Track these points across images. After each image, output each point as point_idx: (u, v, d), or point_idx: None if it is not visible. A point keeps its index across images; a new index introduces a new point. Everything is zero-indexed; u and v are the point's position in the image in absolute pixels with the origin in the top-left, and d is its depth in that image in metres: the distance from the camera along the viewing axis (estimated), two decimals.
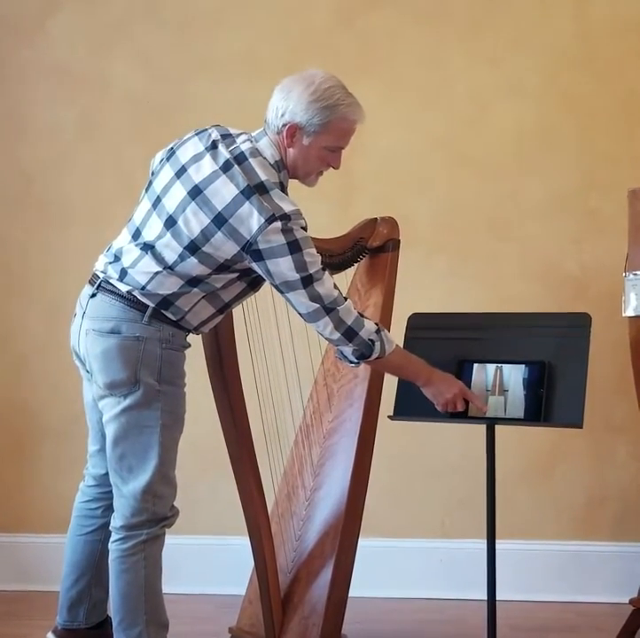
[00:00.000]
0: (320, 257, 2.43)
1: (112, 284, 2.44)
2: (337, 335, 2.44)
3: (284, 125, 2.43)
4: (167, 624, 2.53)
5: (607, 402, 3.34)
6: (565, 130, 3.43)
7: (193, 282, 2.41)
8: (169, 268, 2.40)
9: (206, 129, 2.50)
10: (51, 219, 3.59)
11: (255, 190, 2.34)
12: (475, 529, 3.13)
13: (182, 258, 2.38)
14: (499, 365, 2.63)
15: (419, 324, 2.79)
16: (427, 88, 3.49)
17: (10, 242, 3.63)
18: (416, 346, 2.74)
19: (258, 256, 2.35)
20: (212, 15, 3.55)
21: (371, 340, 2.47)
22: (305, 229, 2.40)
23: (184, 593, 3.44)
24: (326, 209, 3.39)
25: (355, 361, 2.50)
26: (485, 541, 2.65)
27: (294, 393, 2.76)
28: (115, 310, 2.42)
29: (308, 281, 2.37)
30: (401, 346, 2.78)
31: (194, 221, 2.37)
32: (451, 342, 2.72)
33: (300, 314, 2.44)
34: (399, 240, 2.99)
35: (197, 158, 2.43)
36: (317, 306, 2.40)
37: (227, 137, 2.46)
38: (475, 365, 2.65)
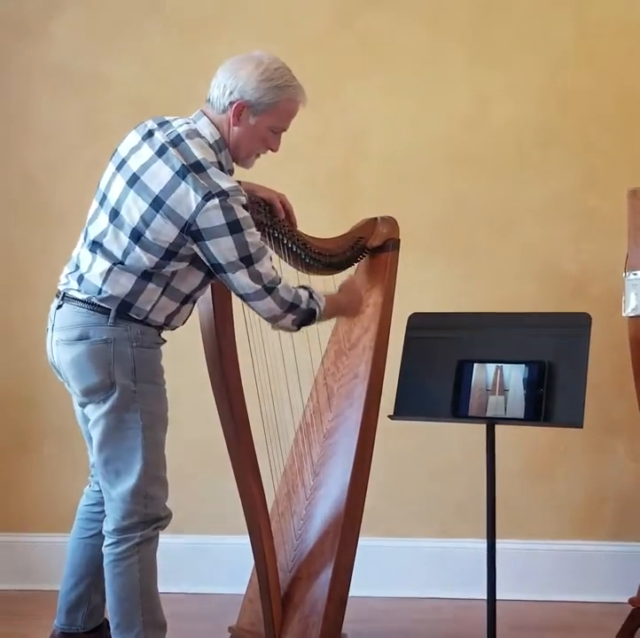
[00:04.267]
0: (260, 235, 2.41)
1: (73, 293, 2.45)
2: (279, 311, 2.43)
3: (231, 102, 2.43)
4: (164, 624, 2.53)
5: (607, 402, 3.35)
6: (564, 130, 3.44)
7: (146, 276, 2.39)
8: (120, 262, 2.39)
9: (144, 121, 2.51)
10: (53, 219, 3.60)
11: (191, 168, 2.33)
12: (475, 529, 3.14)
13: (128, 250, 2.38)
14: (499, 365, 2.64)
15: (419, 324, 2.79)
16: (427, 88, 3.49)
17: (12, 241, 3.65)
18: (416, 346, 2.75)
19: (198, 236, 2.33)
20: (213, 17, 3.55)
21: (311, 308, 2.50)
22: (245, 207, 2.37)
23: (184, 592, 3.44)
24: (326, 209, 3.40)
25: (296, 328, 2.52)
26: (485, 541, 2.66)
27: (294, 392, 2.77)
28: (80, 317, 2.42)
29: (249, 261, 2.35)
30: (402, 346, 2.79)
31: (134, 209, 2.37)
32: (451, 342, 2.73)
33: (239, 295, 2.42)
34: (399, 240, 2.99)
35: (134, 149, 2.44)
36: (259, 286, 2.38)
37: (164, 124, 2.46)
38: (475, 365, 2.65)
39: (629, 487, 3.41)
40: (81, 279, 2.44)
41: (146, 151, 2.41)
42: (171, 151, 2.37)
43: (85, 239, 2.48)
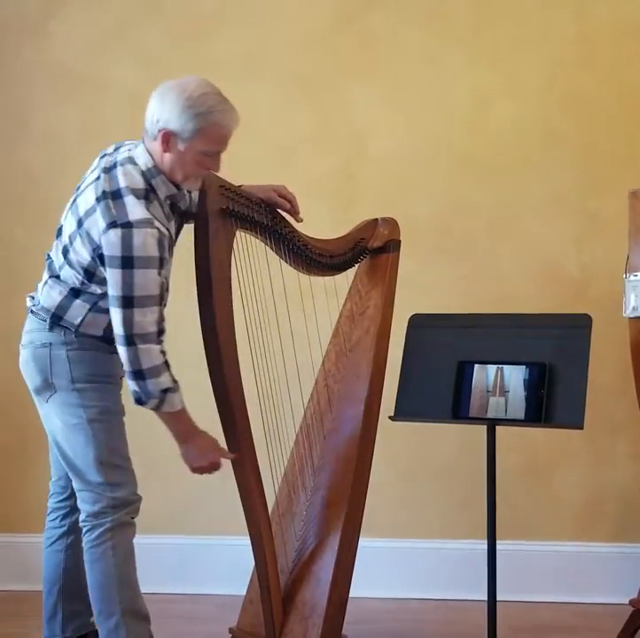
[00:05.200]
0: (158, 282, 2.34)
1: (28, 302, 2.60)
2: (129, 369, 2.36)
3: (159, 131, 2.42)
4: (147, 615, 2.55)
5: (607, 403, 3.35)
6: (565, 131, 3.44)
7: (75, 293, 2.48)
8: (56, 276, 2.50)
9: (113, 144, 2.56)
10: (53, 219, 3.56)
11: (109, 195, 2.37)
12: (475, 529, 3.14)
13: (62, 266, 2.49)
14: (500, 366, 2.63)
15: (420, 325, 2.79)
16: (428, 88, 3.49)
17: (11, 242, 3.65)
18: (417, 347, 2.75)
19: (102, 261, 2.36)
20: (213, 16, 3.55)
21: (152, 393, 2.37)
22: (160, 241, 2.34)
23: (184, 593, 3.45)
24: (327, 210, 3.40)
25: (133, 401, 2.41)
26: (485, 542, 2.66)
27: (295, 393, 2.76)
28: (30, 323, 2.59)
29: (128, 303, 2.32)
30: (402, 346, 2.79)
31: (68, 228, 2.48)
32: (452, 343, 2.72)
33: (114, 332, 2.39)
34: (399, 241, 2.99)
35: (90, 170, 2.52)
36: (123, 333, 2.33)
37: (116, 150, 2.51)
38: (476, 366, 2.65)
39: (630, 489, 3.41)
40: (37, 289, 2.59)
41: (92, 176, 2.48)
42: (102, 176, 2.42)
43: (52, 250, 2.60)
